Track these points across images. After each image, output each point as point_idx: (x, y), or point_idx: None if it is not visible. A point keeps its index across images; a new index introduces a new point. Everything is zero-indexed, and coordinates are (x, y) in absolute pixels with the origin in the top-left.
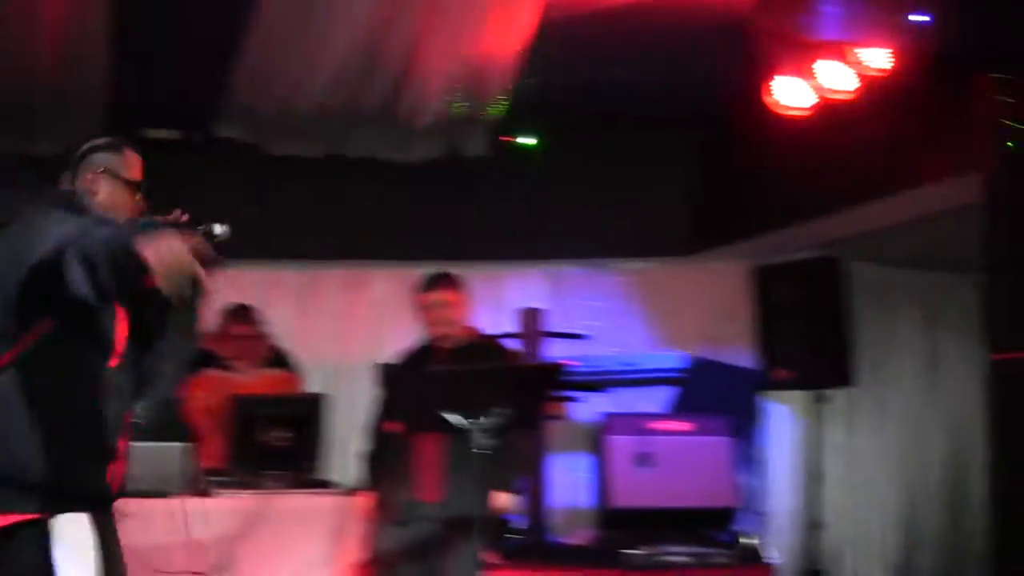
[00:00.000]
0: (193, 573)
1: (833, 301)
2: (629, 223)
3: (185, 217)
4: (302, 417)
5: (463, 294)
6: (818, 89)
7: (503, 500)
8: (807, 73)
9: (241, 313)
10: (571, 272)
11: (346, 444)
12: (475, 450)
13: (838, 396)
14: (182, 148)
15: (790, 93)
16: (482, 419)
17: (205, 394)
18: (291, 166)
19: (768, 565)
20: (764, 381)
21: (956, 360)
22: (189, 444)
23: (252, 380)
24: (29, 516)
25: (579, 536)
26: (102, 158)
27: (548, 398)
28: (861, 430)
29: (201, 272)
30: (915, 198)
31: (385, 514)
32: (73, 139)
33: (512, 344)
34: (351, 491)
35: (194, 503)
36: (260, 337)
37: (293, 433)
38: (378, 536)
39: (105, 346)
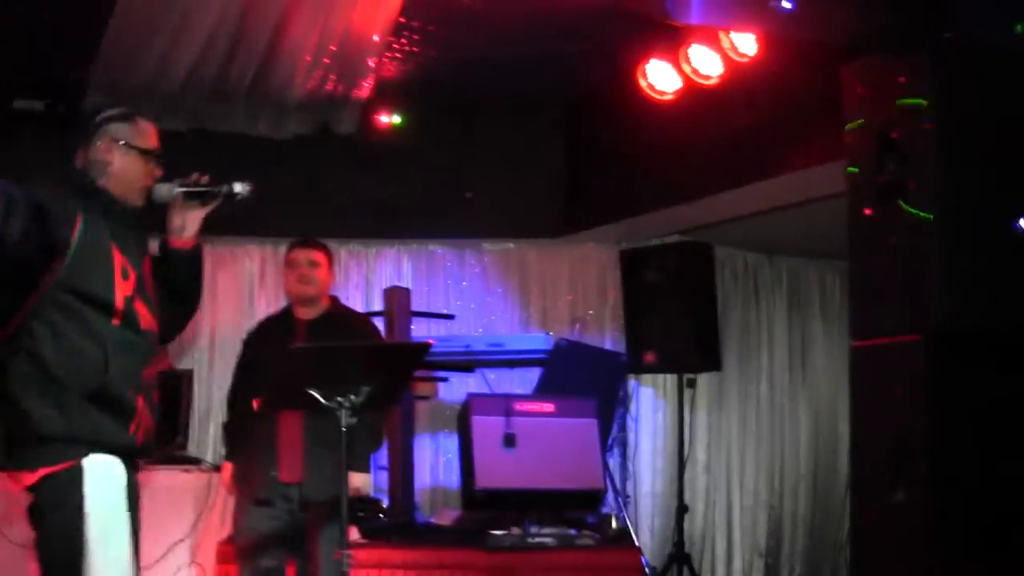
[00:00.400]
0: None
1: (700, 286)
2: (498, 204)
3: (205, 179)
4: (169, 393)
5: (330, 261)
6: (684, 73)
7: (359, 480)
8: (674, 56)
9: None
10: (438, 251)
11: (215, 421)
12: (342, 428)
13: (704, 380)
14: (50, 120)
15: (659, 77)
16: (350, 397)
17: None
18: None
19: (635, 547)
20: (631, 364)
21: (821, 346)
22: None
23: None
24: (56, 467)
25: (446, 517)
26: (114, 128)
27: (414, 377)
28: (727, 414)
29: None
30: (781, 185)
31: (246, 491)
32: None
33: (376, 321)
34: (218, 468)
35: None
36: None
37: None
38: (241, 514)
39: (104, 307)
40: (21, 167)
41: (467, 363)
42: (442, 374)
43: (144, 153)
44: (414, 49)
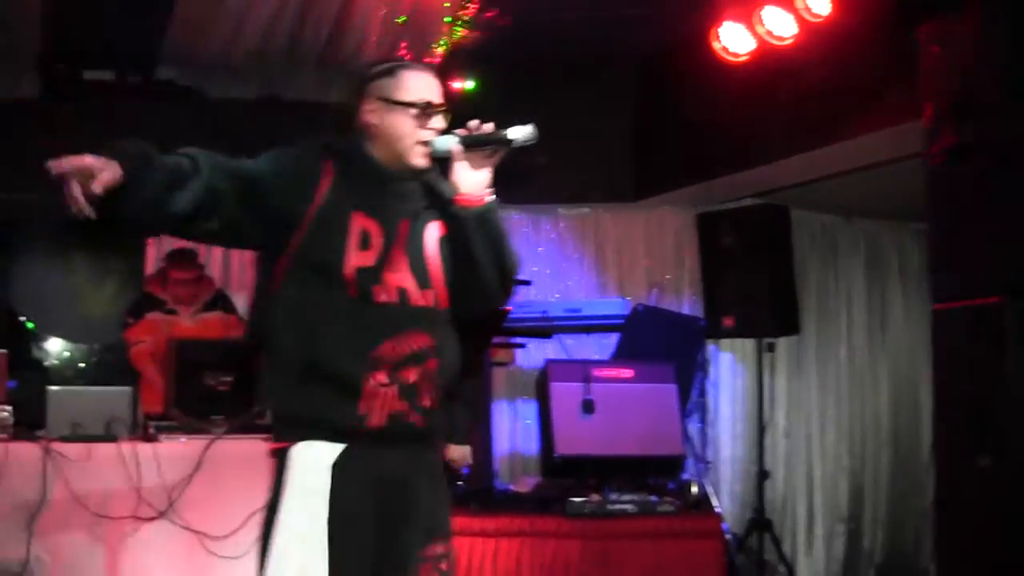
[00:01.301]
0: (138, 518)
1: (777, 249)
2: (573, 168)
3: (487, 127)
4: (244, 361)
5: None
6: (759, 35)
7: (458, 452)
8: (747, 18)
9: (182, 257)
10: (514, 217)
11: None
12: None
13: (783, 344)
14: (120, 90)
15: (732, 38)
16: None
17: (148, 338)
18: (228, 109)
19: (715, 513)
20: (709, 329)
21: (900, 308)
22: (133, 388)
23: (194, 324)
24: (276, 445)
25: (524, 483)
26: (374, 86)
27: (491, 344)
28: (807, 378)
29: None
30: (857, 146)
31: None
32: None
33: None
34: None
35: (140, 448)
36: (201, 280)
37: (235, 377)
38: None
39: (330, 277)
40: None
41: (544, 329)
42: (519, 340)
43: (408, 106)
44: (485, 13)
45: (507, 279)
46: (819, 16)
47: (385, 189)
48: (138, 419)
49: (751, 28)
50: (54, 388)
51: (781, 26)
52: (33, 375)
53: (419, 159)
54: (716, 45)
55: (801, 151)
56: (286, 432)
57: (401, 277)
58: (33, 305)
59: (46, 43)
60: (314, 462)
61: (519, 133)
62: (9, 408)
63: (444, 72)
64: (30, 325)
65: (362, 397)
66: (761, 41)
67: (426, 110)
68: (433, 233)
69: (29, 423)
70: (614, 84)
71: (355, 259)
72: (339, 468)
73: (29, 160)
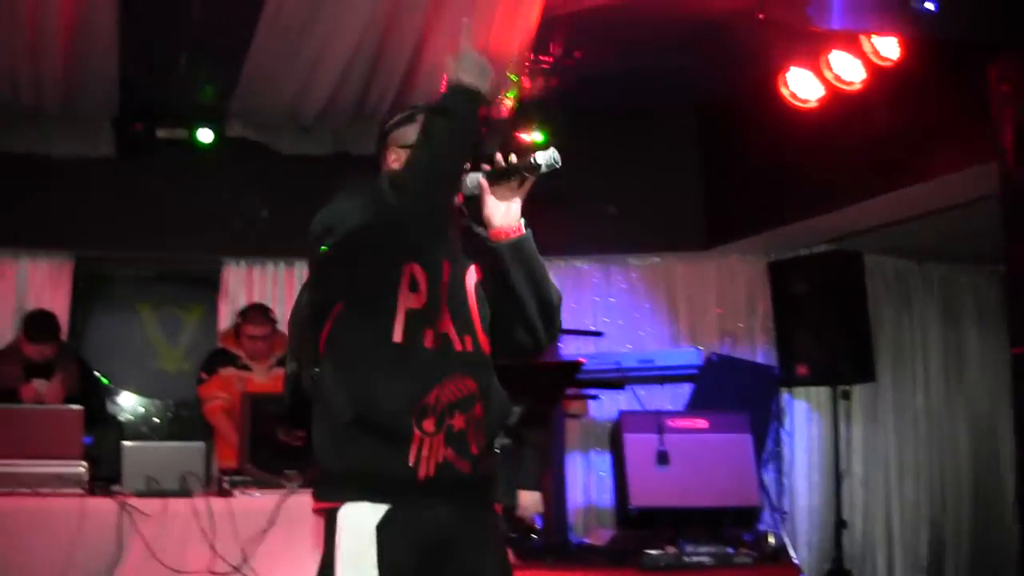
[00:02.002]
0: (213, 572)
1: (851, 295)
2: (642, 217)
3: (511, 158)
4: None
5: None
6: (827, 80)
7: (529, 499)
8: (816, 64)
9: (256, 313)
10: (584, 268)
11: None
12: (495, 450)
13: (858, 391)
14: (192, 147)
15: (801, 84)
16: None
17: (222, 394)
18: (298, 165)
19: (793, 564)
20: (783, 377)
21: (977, 352)
22: (208, 443)
23: (267, 379)
24: (323, 504)
25: (599, 536)
26: (396, 135)
27: (565, 396)
28: (883, 426)
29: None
30: (929, 189)
31: None
32: (84, 140)
33: None
34: None
35: (214, 502)
36: (275, 336)
37: (308, 432)
38: None
39: (379, 322)
40: (162, 194)
41: (617, 380)
42: (593, 392)
43: None
44: (551, 66)
45: (548, 312)
46: (887, 59)
47: (423, 233)
48: (212, 474)
49: (819, 73)
50: (129, 443)
51: (849, 70)
52: (108, 430)
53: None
54: (784, 91)
55: (872, 196)
56: (334, 489)
57: (445, 322)
58: (108, 360)
59: (122, 103)
60: (360, 525)
61: (543, 158)
62: (85, 463)
63: (512, 124)
64: (105, 380)
65: (411, 446)
66: (829, 86)
67: None
68: (472, 277)
69: (105, 478)
70: (681, 132)
71: (405, 302)
72: (386, 530)
73: (105, 217)
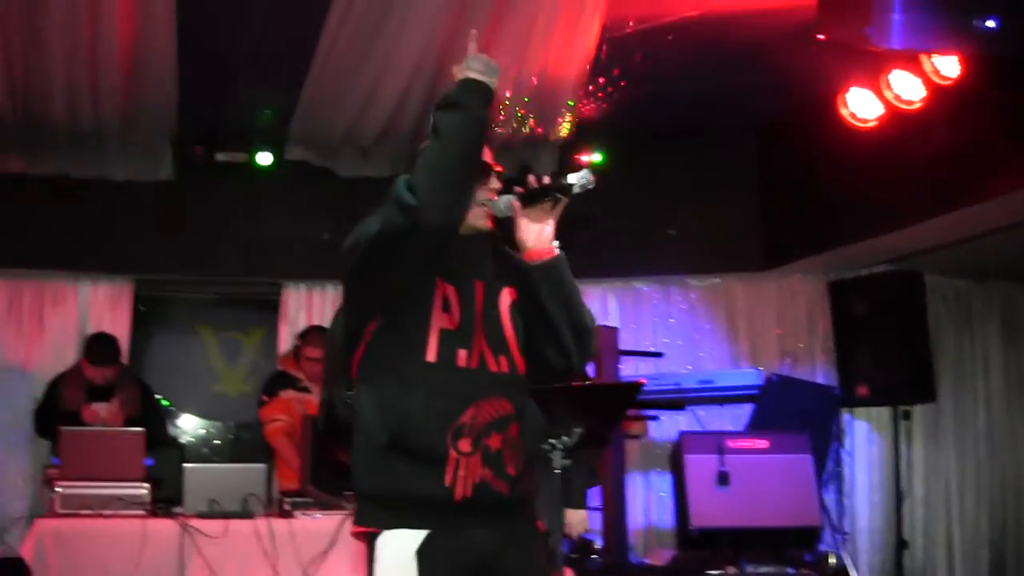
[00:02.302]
0: None
1: (911, 315)
2: (700, 238)
3: (544, 180)
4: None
5: None
6: (886, 99)
7: (576, 517)
8: (875, 83)
9: (316, 335)
10: (644, 289)
11: None
12: (555, 471)
13: (919, 412)
14: (251, 170)
15: (860, 104)
16: (562, 439)
17: (283, 416)
18: (358, 187)
19: None
20: (844, 397)
21: None
22: (269, 465)
23: None
24: (362, 528)
25: (660, 557)
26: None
27: (625, 417)
28: (944, 446)
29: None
30: (990, 208)
31: None
32: (145, 164)
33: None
34: None
35: (275, 524)
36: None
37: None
38: None
39: (418, 344)
40: (221, 217)
41: (677, 401)
42: (652, 413)
43: None
44: (609, 88)
45: (581, 335)
46: (947, 78)
47: (455, 254)
48: (273, 495)
49: (878, 93)
50: (190, 465)
51: (909, 90)
52: (170, 452)
53: (481, 221)
54: (843, 111)
55: (932, 215)
56: (372, 514)
57: (479, 342)
58: (169, 383)
59: (182, 127)
60: (400, 551)
61: (576, 179)
62: (147, 485)
63: (571, 146)
64: (166, 402)
65: (447, 467)
66: (889, 105)
67: (485, 171)
68: (506, 299)
69: (167, 500)
70: (740, 152)
71: (438, 322)
72: (426, 555)
73: (165, 240)
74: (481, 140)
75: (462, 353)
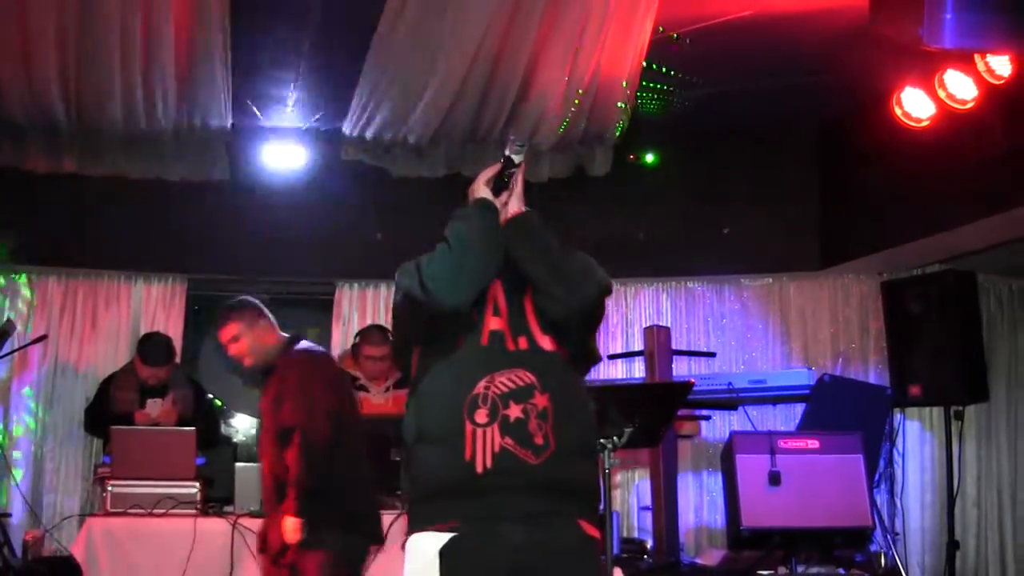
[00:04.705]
0: None
1: (964, 315)
2: (753, 238)
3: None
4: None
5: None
6: (939, 99)
7: None
8: (929, 83)
9: (375, 333)
10: (697, 288)
11: None
12: (605, 470)
13: (972, 412)
14: (307, 171)
15: (914, 104)
16: (613, 438)
17: None
18: (413, 187)
19: None
20: (896, 397)
21: None
22: None
23: (384, 400)
24: (406, 537)
25: (711, 557)
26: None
27: (677, 416)
28: (997, 446)
29: None
30: None
31: None
32: (199, 164)
33: (638, 360)
34: None
35: None
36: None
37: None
38: None
39: (465, 379)
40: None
41: (730, 401)
42: (705, 412)
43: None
44: (662, 87)
45: (562, 276)
46: (1001, 77)
47: None
48: None
49: (932, 92)
50: (241, 464)
51: (962, 89)
52: (221, 452)
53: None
54: (897, 111)
55: (986, 215)
56: (411, 520)
57: (497, 321)
58: (221, 383)
59: (236, 127)
60: (423, 552)
61: (512, 150)
62: (198, 484)
63: (625, 145)
64: (218, 402)
65: (465, 440)
66: (942, 105)
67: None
68: (523, 279)
69: (218, 499)
70: (795, 152)
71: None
72: (451, 555)
73: (219, 240)
74: (491, 245)
75: (476, 337)
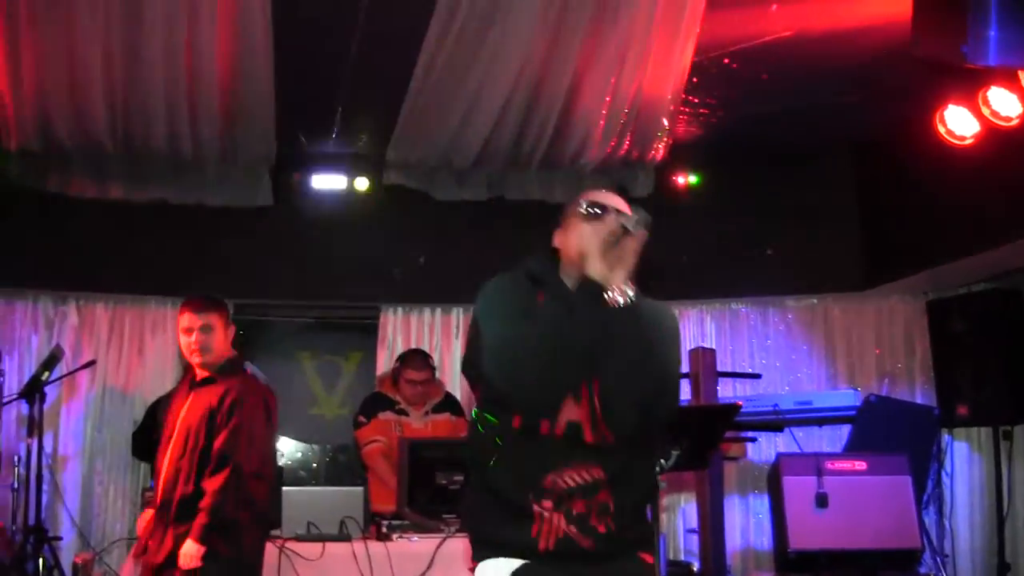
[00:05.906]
0: None
1: (1011, 334)
2: (797, 258)
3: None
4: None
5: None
6: (983, 116)
7: None
8: (973, 101)
9: (416, 357)
10: (741, 310)
11: None
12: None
13: (1021, 432)
14: (348, 195)
15: (957, 121)
16: (661, 462)
17: (381, 437)
18: (455, 211)
19: None
20: (943, 418)
21: None
22: (366, 488)
23: (423, 424)
24: (472, 564)
25: None
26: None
27: (723, 439)
28: None
29: None
30: None
31: None
32: (243, 190)
33: (683, 383)
34: None
35: (372, 546)
36: (433, 382)
37: (466, 476)
38: None
39: (507, 410)
40: (319, 242)
41: (775, 422)
42: (750, 434)
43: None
44: (705, 108)
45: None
46: None
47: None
48: (368, 517)
49: (975, 110)
50: (289, 488)
51: (1006, 106)
52: None
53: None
54: (940, 128)
55: None
56: (478, 551)
57: (576, 410)
58: None
59: (279, 153)
60: (495, 571)
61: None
62: None
63: (667, 167)
64: None
65: (533, 521)
66: (986, 122)
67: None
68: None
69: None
70: (837, 172)
71: None
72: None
73: (263, 265)
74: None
75: (547, 422)
